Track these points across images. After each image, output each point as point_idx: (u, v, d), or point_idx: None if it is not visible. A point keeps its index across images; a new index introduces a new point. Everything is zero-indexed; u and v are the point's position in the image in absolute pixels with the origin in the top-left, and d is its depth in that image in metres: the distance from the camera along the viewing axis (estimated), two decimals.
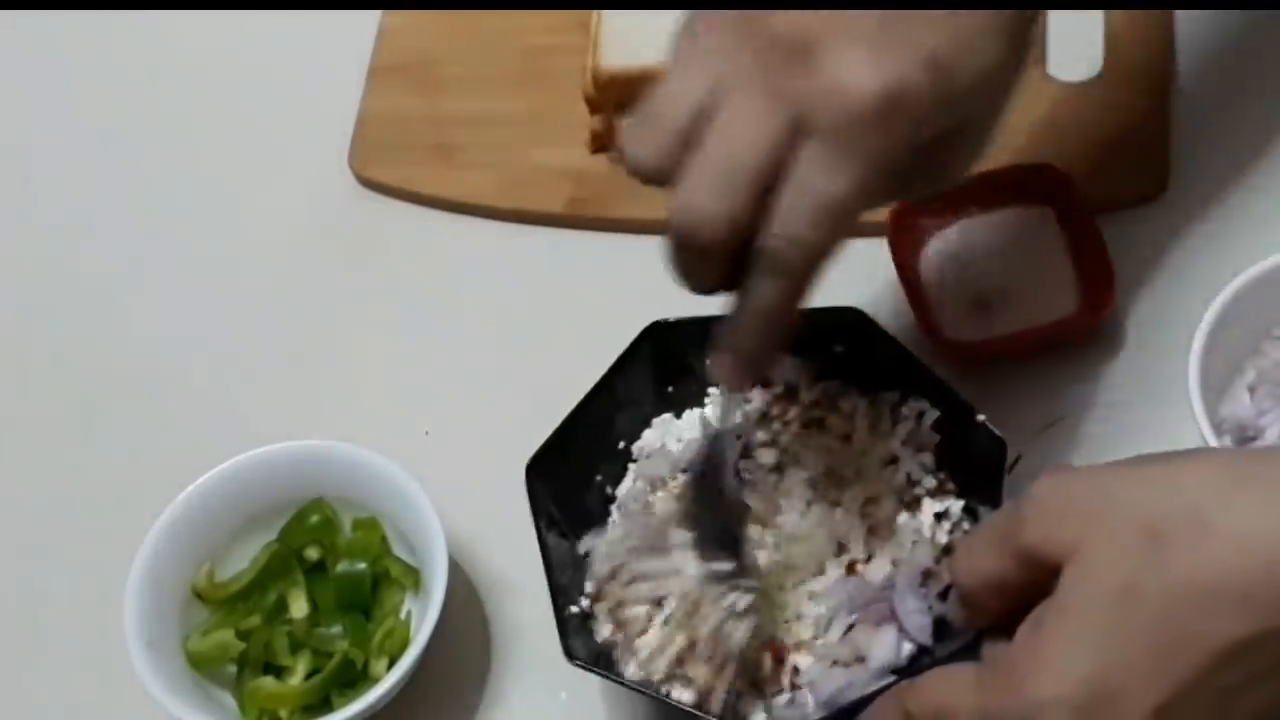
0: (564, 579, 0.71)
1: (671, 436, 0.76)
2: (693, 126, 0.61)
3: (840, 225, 0.61)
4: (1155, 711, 0.56)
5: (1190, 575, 0.56)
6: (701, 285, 0.64)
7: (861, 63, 0.59)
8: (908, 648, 0.69)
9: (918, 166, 0.62)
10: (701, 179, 0.61)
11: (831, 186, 0.60)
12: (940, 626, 0.69)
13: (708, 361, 0.66)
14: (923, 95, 0.60)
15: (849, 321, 0.75)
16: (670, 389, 0.77)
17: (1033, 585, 0.60)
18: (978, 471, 0.71)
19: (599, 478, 0.76)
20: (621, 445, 0.76)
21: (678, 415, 0.77)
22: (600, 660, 0.69)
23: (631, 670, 0.69)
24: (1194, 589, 0.55)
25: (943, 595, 0.69)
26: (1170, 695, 0.55)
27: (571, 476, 0.74)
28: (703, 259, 0.62)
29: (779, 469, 0.73)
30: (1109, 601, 0.56)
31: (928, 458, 0.73)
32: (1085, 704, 0.56)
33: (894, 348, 0.74)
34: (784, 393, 0.75)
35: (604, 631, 0.71)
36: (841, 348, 0.75)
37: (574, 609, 0.71)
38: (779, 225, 0.60)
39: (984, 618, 0.63)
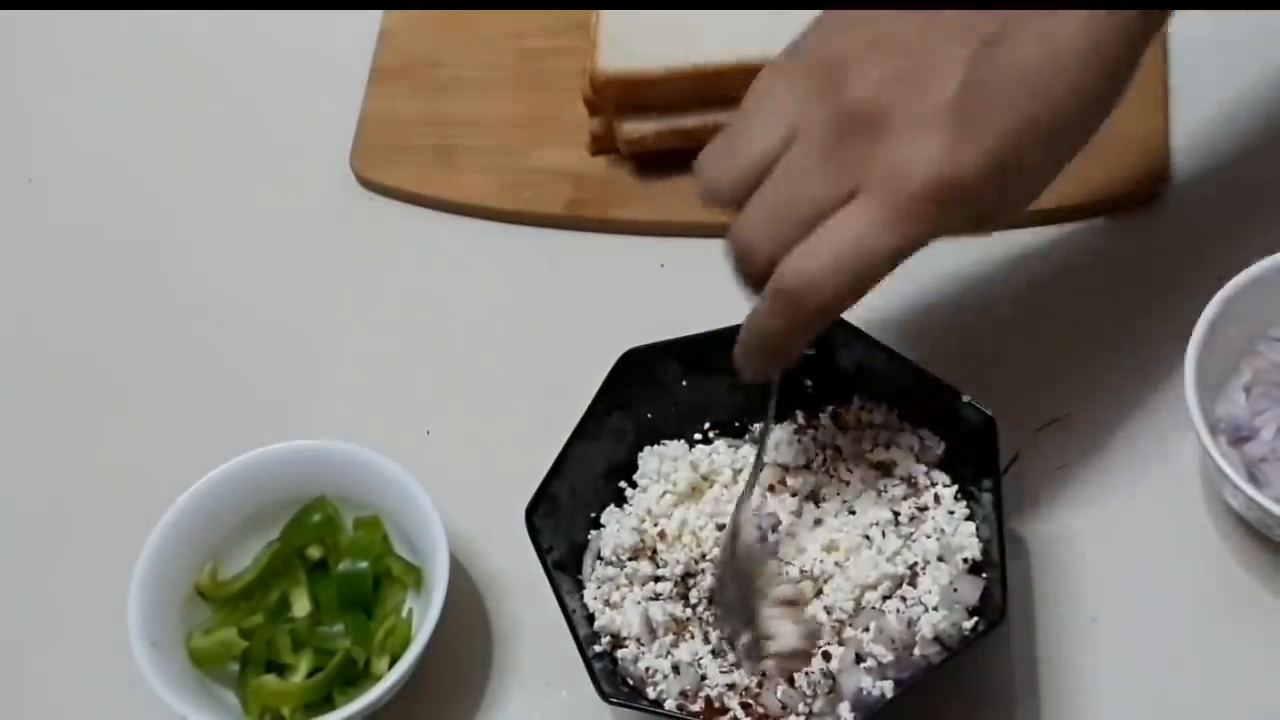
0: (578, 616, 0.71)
1: (655, 470, 0.75)
2: (764, 164, 0.64)
3: (858, 278, 0.62)
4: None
5: None
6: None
7: (930, 150, 0.60)
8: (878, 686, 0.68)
9: (962, 227, 0.63)
10: (756, 215, 0.65)
11: (864, 237, 0.61)
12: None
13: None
14: (984, 187, 0.61)
15: None
16: (650, 415, 0.76)
17: None
18: (969, 454, 0.72)
19: (592, 514, 0.75)
20: (612, 480, 0.76)
21: (661, 443, 0.76)
22: (627, 684, 0.70)
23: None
24: None
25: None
26: None
27: (568, 517, 0.74)
28: (749, 286, 0.66)
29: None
30: None
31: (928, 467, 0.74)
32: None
33: (864, 341, 0.74)
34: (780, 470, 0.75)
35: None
36: (811, 350, 0.75)
37: (598, 647, 0.71)
38: (793, 259, 0.63)
39: None
